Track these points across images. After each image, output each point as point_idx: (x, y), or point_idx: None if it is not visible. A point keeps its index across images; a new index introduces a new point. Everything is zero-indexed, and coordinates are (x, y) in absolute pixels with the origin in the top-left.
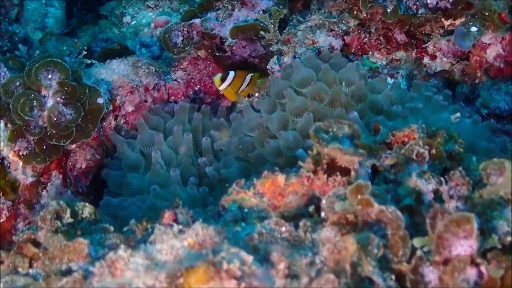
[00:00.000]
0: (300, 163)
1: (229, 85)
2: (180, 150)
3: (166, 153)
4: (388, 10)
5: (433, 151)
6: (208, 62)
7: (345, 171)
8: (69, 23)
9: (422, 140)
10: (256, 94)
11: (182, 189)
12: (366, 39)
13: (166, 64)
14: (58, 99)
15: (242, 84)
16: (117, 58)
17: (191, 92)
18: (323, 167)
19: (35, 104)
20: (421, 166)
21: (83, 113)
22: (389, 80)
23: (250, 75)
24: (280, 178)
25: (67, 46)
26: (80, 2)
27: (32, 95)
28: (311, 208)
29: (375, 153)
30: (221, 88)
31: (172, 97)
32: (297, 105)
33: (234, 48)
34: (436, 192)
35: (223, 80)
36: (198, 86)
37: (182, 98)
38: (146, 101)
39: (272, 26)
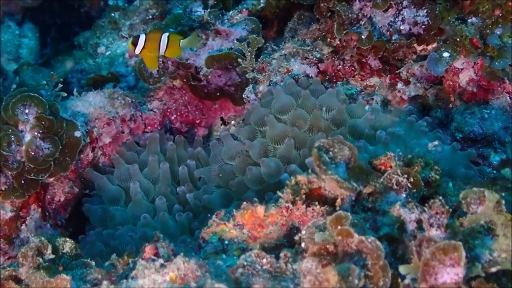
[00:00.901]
0: (279, 193)
1: (143, 48)
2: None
3: (144, 184)
4: (363, 37)
5: (411, 179)
6: (184, 92)
7: (323, 199)
8: (43, 53)
9: (400, 168)
10: (232, 122)
11: (169, 217)
12: (340, 66)
13: (142, 93)
14: (36, 133)
15: (159, 46)
16: (93, 90)
17: (167, 122)
18: (301, 197)
19: (12, 139)
20: (399, 195)
21: (60, 147)
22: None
23: (166, 34)
24: (260, 209)
25: (44, 76)
26: (53, 31)
27: (10, 130)
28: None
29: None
30: (136, 52)
31: (149, 127)
32: (278, 132)
33: (209, 77)
34: (419, 222)
35: (134, 44)
36: (174, 116)
37: (159, 128)
38: (123, 132)
39: (250, 54)
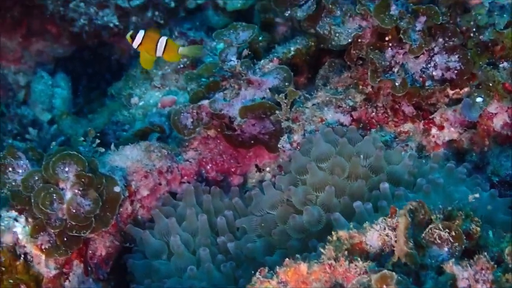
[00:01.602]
0: (321, 249)
1: (140, 44)
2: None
3: (184, 237)
4: (397, 84)
5: (453, 233)
6: (219, 141)
7: (365, 254)
8: (76, 102)
9: (442, 223)
10: (267, 169)
11: (213, 268)
12: (373, 113)
13: (176, 143)
14: (76, 191)
15: (157, 47)
16: (129, 143)
17: (203, 171)
18: (343, 254)
19: (54, 197)
20: (441, 249)
21: (101, 203)
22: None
23: (164, 37)
24: (303, 266)
25: (82, 126)
26: (85, 80)
27: (51, 189)
28: None
29: None
30: (134, 46)
31: (185, 178)
32: (319, 179)
33: (243, 126)
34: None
35: (132, 38)
36: (210, 165)
37: (195, 178)
38: (160, 184)
39: (286, 105)
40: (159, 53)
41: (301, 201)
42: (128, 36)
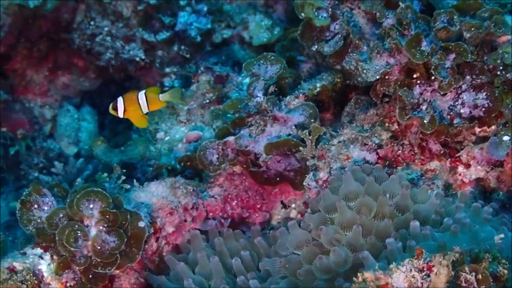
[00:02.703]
0: None
1: (125, 110)
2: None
3: (197, 280)
4: (425, 121)
5: (479, 276)
6: (244, 177)
7: None
8: (102, 135)
9: (468, 266)
10: (293, 205)
11: None
12: (400, 151)
13: (202, 179)
14: (101, 227)
15: (140, 105)
16: (154, 180)
17: (228, 208)
18: None
19: (79, 234)
20: None
21: (126, 239)
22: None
23: (142, 92)
24: None
25: (115, 155)
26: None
27: (76, 226)
28: None
29: None
30: (120, 115)
31: (211, 214)
32: (347, 218)
33: (269, 163)
34: None
35: (115, 109)
36: (235, 201)
37: (220, 215)
38: (185, 220)
39: (310, 142)
40: (144, 109)
41: (330, 240)
42: (110, 109)
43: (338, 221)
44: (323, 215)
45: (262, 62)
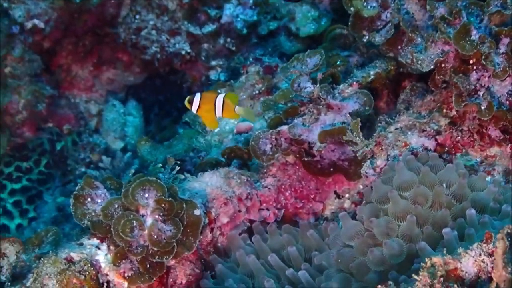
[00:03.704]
0: (415, 276)
1: (198, 107)
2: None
3: (238, 279)
4: (482, 108)
5: None
6: (297, 167)
7: (461, 280)
8: (148, 130)
9: None
10: (346, 195)
11: None
12: (459, 137)
13: (254, 170)
14: (157, 216)
15: (215, 107)
16: (209, 169)
17: (282, 198)
18: (439, 280)
19: (135, 224)
20: None
21: (182, 228)
22: (487, 177)
23: (221, 96)
24: None
25: (161, 153)
26: (156, 108)
27: (132, 216)
28: None
29: None
30: (193, 110)
31: (264, 204)
32: (401, 208)
33: (322, 152)
34: None
35: (190, 103)
36: (289, 192)
37: (274, 205)
38: (240, 211)
39: (358, 138)
40: (218, 113)
41: (383, 232)
42: (186, 102)
43: (392, 212)
44: (375, 206)
45: (296, 63)
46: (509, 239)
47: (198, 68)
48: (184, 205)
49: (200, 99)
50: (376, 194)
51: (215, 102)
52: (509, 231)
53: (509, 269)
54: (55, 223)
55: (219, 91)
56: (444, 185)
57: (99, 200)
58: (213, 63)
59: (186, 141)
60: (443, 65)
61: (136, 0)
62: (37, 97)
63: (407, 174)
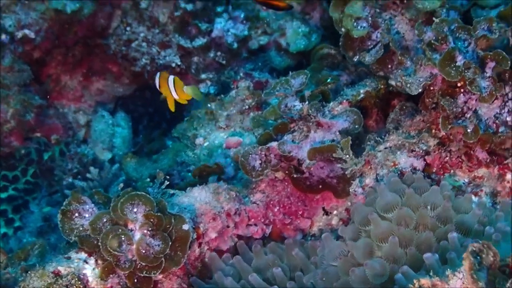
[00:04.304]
0: None
1: (160, 86)
2: None
3: None
4: (469, 130)
5: None
6: (286, 184)
7: None
8: (136, 141)
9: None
10: (334, 212)
11: None
12: (447, 158)
13: (242, 184)
14: (145, 231)
15: (169, 86)
16: (198, 185)
17: (270, 214)
18: None
19: (123, 239)
20: None
21: (170, 243)
22: (473, 198)
23: (171, 76)
24: None
25: (147, 168)
26: (145, 120)
27: (120, 230)
28: None
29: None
30: (157, 87)
31: (253, 220)
32: (383, 230)
33: (312, 169)
34: None
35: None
36: (277, 208)
37: (262, 221)
38: (228, 226)
39: (347, 156)
40: (172, 91)
41: (363, 254)
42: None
43: (374, 234)
44: (357, 227)
45: (279, 87)
46: (477, 257)
47: (188, 81)
48: (173, 220)
49: (159, 77)
50: (357, 216)
51: (168, 81)
52: (474, 249)
53: (480, 283)
54: (41, 233)
55: (209, 105)
56: (428, 207)
57: (87, 215)
58: (203, 76)
59: (171, 155)
60: (431, 88)
61: (127, 12)
62: (26, 107)
63: (390, 195)
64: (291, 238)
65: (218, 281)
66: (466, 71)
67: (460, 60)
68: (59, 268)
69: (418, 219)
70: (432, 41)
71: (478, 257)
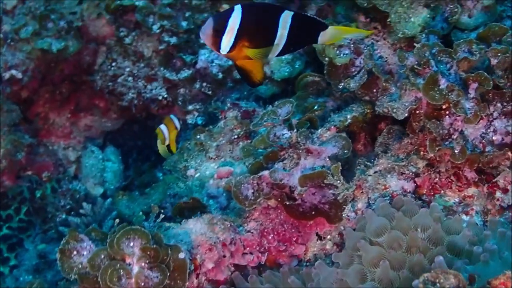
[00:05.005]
0: None
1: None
2: None
3: None
4: (456, 151)
5: None
6: (279, 211)
7: None
8: (127, 175)
9: None
10: (328, 237)
11: None
12: (437, 178)
13: (235, 214)
14: (143, 264)
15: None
16: (193, 217)
17: (265, 242)
18: None
19: (122, 273)
20: None
21: (168, 273)
22: (464, 217)
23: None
24: None
25: (139, 204)
26: (135, 153)
27: (118, 265)
28: None
29: None
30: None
31: (248, 248)
32: (373, 255)
33: (304, 195)
34: None
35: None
36: (272, 235)
37: (257, 249)
38: (224, 256)
39: (338, 182)
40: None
41: (355, 280)
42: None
43: (365, 260)
44: (349, 253)
45: (266, 118)
46: (436, 284)
47: (175, 112)
48: (169, 251)
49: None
50: (348, 242)
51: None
52: (426, 278)
53: None
54: (37, 271)
55: (198, 136)
56: (419, 229)
57: (85, 252)
58: (190, 107)
59: (162, 189)
60: (417, 112)
61: (112, 48)
62: (16, 146)
63: (378, 220)
64: (287, 266)
65: None
66: (450, 94)
67: (443, 83)
68: None
69: (409, 242)
70: (415, 66)
71: (437, 284)
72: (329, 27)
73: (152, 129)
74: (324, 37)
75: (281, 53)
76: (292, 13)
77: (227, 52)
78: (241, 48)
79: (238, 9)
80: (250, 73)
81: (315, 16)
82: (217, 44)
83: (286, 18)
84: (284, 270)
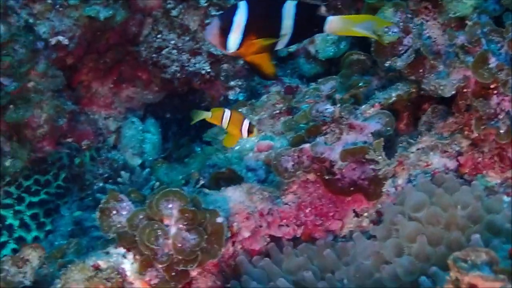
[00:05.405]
0: None
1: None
2: None
3: None
4: (501, 131)
5: None
6: (318, 185)
7: None
8: (165, 147)
9: None
10: (365, 214)
11: None
12: (480, 158)
13: (274, 186)
14: (181, 226)
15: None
16: (231, 184)
17: (302, 215)
18: None
19: (159, 233)
20: None
21: (206, 236)
22: (505, 198)
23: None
24: None
25: (177, 173)
26: (174, 126)
27: (156, 225)
28: None
29: None
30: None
31: (284, 221)
32: (410, 230)
33: (343, 170)
34: None
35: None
36: (309, 209)
37: (294, 222)
38: (261, 226)
39: (380, 157)
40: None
41: (391, 253)
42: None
43: (402, 234)
44: (387, 226)
45: (308, 95)
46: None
47: (217, 87)
48: (207, 214)
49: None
50: (387, 215)
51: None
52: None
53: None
54: (72, 237)
55: (240, 110)
56: (458, 207)
57: (124, 212)
58: (232, 83)
59: (200, 159)
60: (464, 90)
61: (158, 20)
62: (59, 112)
63: (418, 195)
64: (322, 239)
65: (244, 286)
66: (499, 73)
67: (493, 62)
68: (99, 262)
69: (448, 219)
70: (465, 44)
71: (469, 261)
72: (338, 16)
73: (193, 103)
74: (331, 24)
75: (289, 43)
76: (295, 2)
77: (236, 50)
78: (249, 44)
79: (243, 5)
80: (261, 68)
81: (318, 3)
82: (224, 43)
83: (289, 8)
84: (320, 243)
